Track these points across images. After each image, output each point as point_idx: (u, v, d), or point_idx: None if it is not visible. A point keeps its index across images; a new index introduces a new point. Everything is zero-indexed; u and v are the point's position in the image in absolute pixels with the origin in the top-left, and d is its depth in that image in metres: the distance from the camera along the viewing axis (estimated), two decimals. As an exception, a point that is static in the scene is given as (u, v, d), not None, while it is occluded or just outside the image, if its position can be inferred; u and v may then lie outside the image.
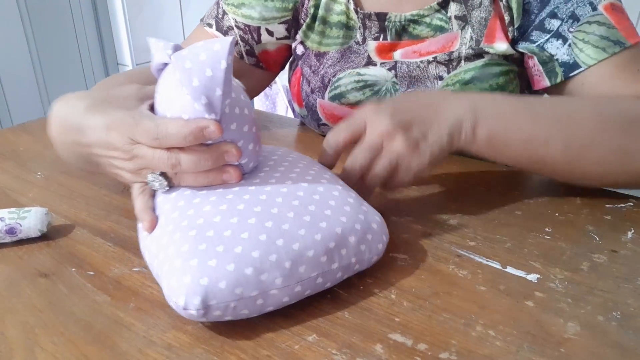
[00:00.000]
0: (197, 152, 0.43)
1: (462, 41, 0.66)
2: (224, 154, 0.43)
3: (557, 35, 0.62)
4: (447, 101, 0.52)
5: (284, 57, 0.80)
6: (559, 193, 0.59)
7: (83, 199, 0.61)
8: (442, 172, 0.66)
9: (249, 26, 0.74)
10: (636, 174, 0.54)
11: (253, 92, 0.82)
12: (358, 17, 0.70)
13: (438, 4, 0.66)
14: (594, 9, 0.60)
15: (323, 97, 0.73)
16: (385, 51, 0.70)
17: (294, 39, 0.76)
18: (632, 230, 0.53)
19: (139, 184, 0.47)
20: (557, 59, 0.62)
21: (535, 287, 0.45)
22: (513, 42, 0.65)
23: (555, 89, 0.65)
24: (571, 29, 0.61)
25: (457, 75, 0.66)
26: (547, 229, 0.53)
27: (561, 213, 0.56)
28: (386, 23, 0.68)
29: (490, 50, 0.65)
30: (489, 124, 0.52)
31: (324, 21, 0.72)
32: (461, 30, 0.66)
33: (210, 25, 0.75)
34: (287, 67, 0.84)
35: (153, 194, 0.46)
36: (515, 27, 0.64)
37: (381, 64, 0.70)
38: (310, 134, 0.81)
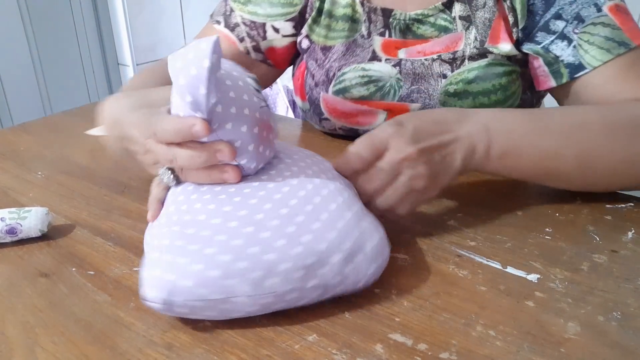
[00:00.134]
0: (191, 148, 0.43)
1: (466, 41, 0.66)
2: (216, 153, 0.44)
3: (562, 36, 0.62)
4: (460, 124, 0.52)
5: (292, 54, 0.80)
6: (559, 193, 0.59)
7: (83, 198, 0.61)
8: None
9: (254, 22, 0.75)
10: None
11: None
12: (364, 10, 0.70)
13: (442, 4, 0.67)
14: (599, 10, 0.60)
15: (327, 91, 0.73)
16: (390, 48, 0.70)
17: (300, 34, 0.76)
18: (633, 231, 0.53)
19: (158, 177, 0.48)
20: (562, 60, 0.62)
21: (535, 287, 0.45)
22: (517, 43, 0.65)
23: (560, 89, 0.65)
24: (576, 30, 0.61)
25: (461, 74, 0.66)
26: (547, 229, 0.53)
27: (561, 213, 0.56)
28: (390, 20, 0.69)
29: (494, 51, 0.65)
30: (500, 144, 0.52)
31: (330, 14, 0.72)
32: (465, 31, 0.66)
33: (218, 22, 0.76)
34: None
35: (168, 188, 0.47)
36: (520, 28, 0.64)
37: (386, 60, 0.70)
38: (311, 134, 0.81)
